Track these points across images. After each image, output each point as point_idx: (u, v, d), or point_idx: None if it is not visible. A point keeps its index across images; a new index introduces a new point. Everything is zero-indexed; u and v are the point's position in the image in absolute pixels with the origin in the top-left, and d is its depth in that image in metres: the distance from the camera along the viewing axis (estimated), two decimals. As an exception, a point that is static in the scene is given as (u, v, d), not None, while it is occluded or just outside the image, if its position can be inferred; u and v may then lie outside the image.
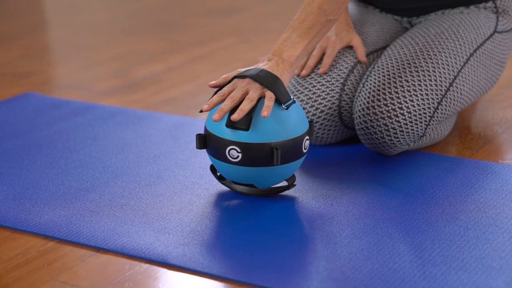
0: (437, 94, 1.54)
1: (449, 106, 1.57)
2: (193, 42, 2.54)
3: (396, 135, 1.52)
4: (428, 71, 1.55)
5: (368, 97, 1.54)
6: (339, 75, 1.61)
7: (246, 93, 1.32)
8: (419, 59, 1.56)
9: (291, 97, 1.35)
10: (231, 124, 1.32)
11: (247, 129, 1.31)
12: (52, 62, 2.38)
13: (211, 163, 1.48)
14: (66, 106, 1.94)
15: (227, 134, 1.33)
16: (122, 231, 1.32)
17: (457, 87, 1.57)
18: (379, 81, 1.54)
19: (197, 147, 1.36)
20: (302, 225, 1.32)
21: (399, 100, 1.52)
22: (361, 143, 1.66)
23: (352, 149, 1.64)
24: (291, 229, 1.31)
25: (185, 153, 1.64)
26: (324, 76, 1.61)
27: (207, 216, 1.36)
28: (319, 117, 1.60)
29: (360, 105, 1.55)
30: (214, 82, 1.37)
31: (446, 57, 1.57)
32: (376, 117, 1.52)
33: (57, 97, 2.04)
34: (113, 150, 1.66)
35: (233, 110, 1.33)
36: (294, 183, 1.43)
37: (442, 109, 1.55)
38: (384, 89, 1.53)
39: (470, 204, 1.38)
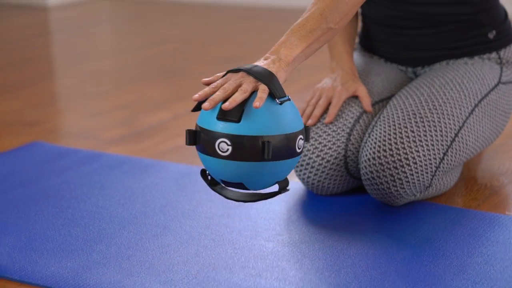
0: (442, 145, 1.55)
1: (455, 157, 1.57)
2: (199, 90, 2.56)
3: (402, 186, 1.52)
4: (434, 121, 1.55)
5: (374, 147, 1.54)
6: (345, 124, 1.62)
7: (239, 86, 1.28)
8: (424, 109, 1.57)
9: (287, 95, 1.31)
10: (222, 117, 1.27)
11: (238, 121, 1.26)
12: (59, 111, 2.39)
13: (204, 170, 1.40)
14: (74, 155, 1.95)
15: (218, 126, 1.28)
16: (128, 283, 1.31)
17: (462, 138, 1.58)
18: (384, 131, 1.55)
19: (186, 143, 1.31)
20: (309, 278, 1.32)
21: (404, 151, 1.52)
22: (367, 193, 1.66)
23: (358, 199, 1.64)
24: (298, 281, 1.30)
25: (192, 203, 1.64)
26: (330, 126, 1.62)
27: (213, 268, 1.36)
28: (325, 166, 1.60)
29: (366, 155, 1.55)
30: (207, 79, 1.32)
31: (451, 107, 1.58)
32: (382, 168, 1.52)
33: (64, 145, 2.05)
34: (120, 200, 1.67)
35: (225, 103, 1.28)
36: (288, 188, 1.37)
37: (448, 160, 1.56)
38: (389, 139, 1.54)
39: (477, 257, 1.38)
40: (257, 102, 1.23)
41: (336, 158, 1.60)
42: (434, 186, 1.57)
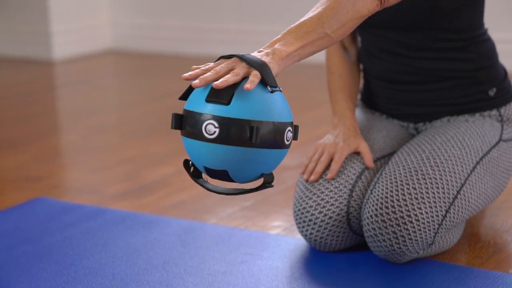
0: (445, 202, 1.55)
1: (457, 214, 1.58)
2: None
3: (405, 243, 1.52)
4: (435, 179, 1.56)
5: (376, 204, 1.55)
6: (347, 181, 1.63)
7: (231, 69, 1.25)
8: (426, 166, 1.58)
9: (278, 87, 1.28)
10: (211, 99, 1.23)
11: (227, 104, 1.22)
12: (63, 166, 2.41)
13: (188, 160, 1.34)
14: (77, 211, 1.95)
15: (206, 108, 1.23)
16: None
17: (464, 195, 1.58)
18: (387, 188, 1.56)
19: (172, 127, 1.27)
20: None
21: (407, 208, 1.53)
22: (370, 249, 1.66)
23: (361, 255, 1.64)
24: None
25: (194, 260, 1.64)
26: (332, 182, 1.63)
27: (216, 327, 1.35)
28: (327, 223, 1.61)
29: (369, 212, 1.56)
30: (187, 74, 1.26)
31: (453, 165, 1.59)
32: (384, 225, 1.53)
33: (68, 201, 2.06)
34: (123, 257, 1.67)
35: (216, 91, 1.24)
36: (272, 183, 1.32)
37: (450, 217, 1.56)
38: (392, 196, 1.54)
39: (480, 315, 1.37)
40: (248, 85, 1.20)
41: (338, 214, 1.61)
42: (437, 243, 1.57)
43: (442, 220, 1.55)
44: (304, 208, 1.63)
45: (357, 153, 1.68)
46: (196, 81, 1.22)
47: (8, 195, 2.13)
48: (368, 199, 1.59)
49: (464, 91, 1.69)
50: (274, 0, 4.06)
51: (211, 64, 1.27)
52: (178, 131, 2.75)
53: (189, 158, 1.32)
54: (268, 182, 1.28)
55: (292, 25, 1.32)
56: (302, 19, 1.33)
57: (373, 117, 1.79)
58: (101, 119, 2.97)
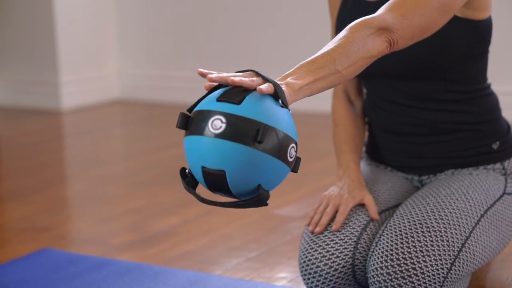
0: (449, 255, 1.55)
1: (463, 267, 1.58)
2: (209, 194, 2.57)
3: (410, 296, 1.52)
4: (440, 231, 1.57)
5: (382, 257, 1.55)
6: (352, 233, 1.64)
7: (247, 83, 1.25)
8: (430, 219, 1.58)
9: (289, 109, 1.26)
10: (222, 98, 1.22)
11: (238, 103, 1.21)
12: (70, 216, 2.42)
13: (184, 168, 1.30)
14: (83, 262, 1.96)
15: (216, 106, 1.21)
16: None
17: (469, 248, 1.59)
18: (391, 241, 1.56)
19: (177, 125, 1.24)
20: None
21: (412, 261, 1.53)
22: (376, 302, 1.65)
23: (367, 308, 1.64)
24: None
25: (200, 312, 1.64)
26: (338, 234, 1.63)
27: None
28: (332, 275, 1.61)
29: (374, 264, 1.56)
30: (204, 70, 1.27)
31: (457, 217, 1.60)
32: (390, 277, 1.53)
33: (74, 251, 2.06)
34: (128, 309, 1.67)
35: (231, 91, 1.23)
36: (267, 202, 1.25)
37: (455, 270, 1.56)
38: (397, 249, 1.55)
39: None
40: (263, 87, 1.20)
41: (343, 266, 1.61)
42: (442, 296, 1.56)
43: (447, 273, 1.55)
44: (309, 260, 1.63)
45: (362, 205, 1.69)
46: (214, 74, 1.23)
47: (15, 246, 2.14)
48: (373, 251, 1.59)
49: (468, 144, 1.70)
50: (281, 49, 4.10)
51: (226, 74, 1.26)
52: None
53: (187, 167, 1.29)
54: (263, 197, 1.23)
55: (304, 61, 1.33)
56: (314, 56, 1.34)
57: (378, 170, 1.80)
58: (108, 169, 2.99)
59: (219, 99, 1.22)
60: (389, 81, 1.71)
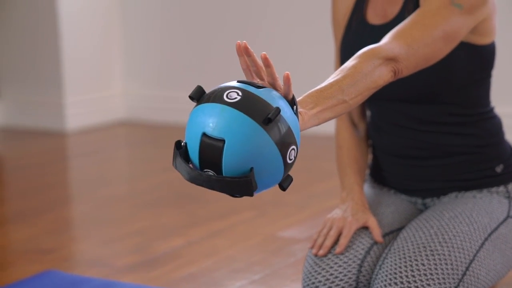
0: (453, 278, 1.55)
1: (466, 291, 1.57)
2: (213, 216, 2.58)
3: (414, 320, 1.51)
4: (444, 254, 1.56)
5: (385, 280, 1.55)
6: (355, 256, 1.63)
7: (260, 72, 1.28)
8: (434, 242, 1.58)
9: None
10: (243, 81, 1.24)
11: (258, 87, 1.22)
12: (74, 238, 2.42)
13: (180, 141, 1.26)
14: (87, 284, 1.95)
15: (235, 84, 1.23)
16: None
17: (473, 272, 1.58)
18: (395, 264, 1.56)
19: (190, 95, 1.23)
20: None
21: (416, 284, 1.53)
22: (380, 325, 1.65)
23: (371, 332, 1.63)
24: None
25: (203, 335, 1.64)
26: (341, 257, 1.63)
27: None
28: (337, 298, 1.60)
29: (378, 287, 1.56)
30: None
31: (461, 241, 1.59)
32: (393, 301, 1.52)
33: (78, 273, 2.06)
34: (131, 332, 1.66)
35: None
36: (253, 192, 1.21)
37: (459, 294, 1.56)
38: (401, 272, 1.54)
39: None
40: (286, 72, 1.23)
41: (347, 290, 1.61)
42: (446, 320, 1.56)
43: (451, 297, 1.54)
44: (313, 283, 1.63)
45: (365, 228, 1.68)
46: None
47: (18, 267, 2.14)
48: (377, 274, 1.59)
49: (471, 167, 1.70)
50: (282, 67, 4.11)
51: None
52: (189, 202, 2.76)
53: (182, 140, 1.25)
54: (251, 181, 1.18)
55: (312, 90, 1.34)
56: (322, 85, 1.36)
57: (382, 192, 1.80)
58: (112, 190, 2.99)
59: (240, 81, 1.23)
60: (392, 104, 1.71)
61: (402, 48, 1.43)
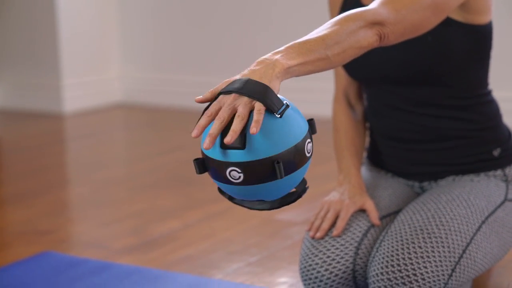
0: (450, 261, 1.55)
1: (463, 273, 1.58)
2: (210, 199, 2.58)
3: (410, 302, 1.52)
4: (441, 237, 1.57)
5: (382, 263, 1.55)
6: (353, 238, 1.64)
7: (234, 110, 1.22)
8: (431, 225, 1.58)
9: (284, 102, 1.24)
10: (225, 145, 1.22)
11: (243, 148, 1.21)
12: (72, 219, 2.42)
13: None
14: (84, 265, 1.96)
15: (224, 156, 1.22)
16: None
17: (470, 254, 1.59)
18: (392, 247, 1.56)
19: (197, 172, 1.26)
20: None
21: (412, 267, 1.53)
22: (376, 307, 1.65)
23: (367, 314, 1.64)
24: None
25: (200, 317, 1.64)
26: (338, 240, 1.64)
27: None
28: (333, 280, 1.61)
29: (375, 270, 1.56)
30: (201, 97, 1.26)
31: (458, 224, 1.60)
32: (390, 283, 1.53)
33: (75, 255, 2.06)
34: (129, 313, 1.67)
35: (225, 130, 1.22)
36: (306, 187, 1.30)
37: (456, 276, 1.56)
38: (398, 254, 1.55)
39: None
40: (253, 128, 1.17)
41: (344, 272, 1.61)
42: (442, 302, 1.56)
43: (448, 279, 1.55)
44: (310, 265, 1.63)
45: (362, 211, 1.69)
46: (206, 141, 1.20)
47: (16, 249, 2.14)
48: (374, 257, 1.59)
49: (468, 151, 1.70)
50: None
51: (212, 107, 1.23)
52: (186, 185, 2.76)
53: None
54: (302, 191, 1.28)
55: (295, 41, 1.31)
56: (305, 38, 1.32)
57: (379, 176, 1.80)
58: (110, 172, 2.99)
59: (223, 147, 1.22)
60: (389, 86, 1.71)
61: (390, 12, 1.42)
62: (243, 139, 1.21)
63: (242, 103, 1.21)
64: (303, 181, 1.29)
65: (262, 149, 1.21)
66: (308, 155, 1.25)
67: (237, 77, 1.25)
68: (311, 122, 1.28)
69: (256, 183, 1.22)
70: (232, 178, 1.22)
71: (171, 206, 2.51)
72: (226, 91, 1.23)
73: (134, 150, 3.43)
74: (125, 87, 4.56)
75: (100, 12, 4.43)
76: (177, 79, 4.41)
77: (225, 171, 1.22)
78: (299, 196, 1.28)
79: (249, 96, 1.21)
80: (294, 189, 1.30)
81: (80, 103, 4.32)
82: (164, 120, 4.05)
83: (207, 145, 1.20)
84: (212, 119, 1.22)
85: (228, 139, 1.18)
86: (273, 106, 1.21)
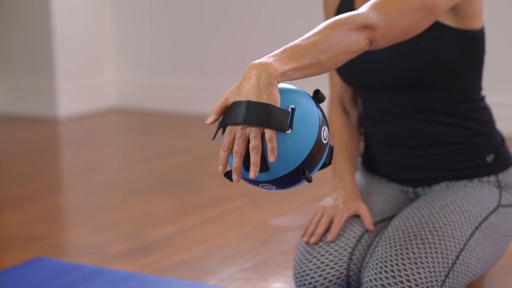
0: (444, 267, 1.56)
1: (457, 279, 1.58)
2: (205, 204, 2.58)
3: (404, 308, 1.52)
4: (434, 243, 1.57)
5: (376, 269, 1.55)
6: (347, 244, 1.64)
7: (246, 139, 1.26)
8: (425, 231, 1.59)
9: (289, 109, 1.28)
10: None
11: (267, 170, 1.27)
12: (66, 225, 2.42)
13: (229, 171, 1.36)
14: (77, 271, 1.96)
15: (255, 178, 1.28)
16: None
17: (463, 260, 1.59)
18: (386, 252, 1.57)
19: (224, 175, 1.33)
20: None
21: (406, 272, 1.53)
22: (370, 313, 1.66)
23: (361, 319, 1.64)
24: None
25: (194, 322, 1.64)
26: (332, 245, 1.64)
27: None
28: (327, 286, 1.61)
29: (368, 275, 1.56)
30: (209, 119, 1.30)
31: (452, 230, 1.60)
32: (384, 289, 1.53)
33: (69, 260, 2.06)
34: (122, 319, 1.67)
35: (246, 158, 1.28)
36: (331, 148, 1.35)
37: (449, 282, 1.56)
38: (391, 260, 1.55)
39: None
40: (271, 157, 1.24)
41: (338, 278, 1.61)
42: (436, 308, 1.56)
43: (441, 285, 1.55)
44: (304, 271, 1.63)
45: (356, 216, 1.69)
46: (234, 176, 1.27)
47: (9, 254, 2.14)
48: (367, 262, 1.59)
49: (462, 157, 1.71)
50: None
51: (226, 141, 1.27)
52: (181, 190, 2.76)
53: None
54: (329, 162, 1.34)
55: (288, 45, 1.32)
56: (297, 41, 1.33)
57: (373, 181, 1.80)
58: (104, 177, 2.99)
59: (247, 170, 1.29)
60: (383, 92, 1.71)
61: (380, 16, 1.42)
62: (264, 163, 1.27)
63: (252, 135, 1.26)
64: (330, 151, 1.34)
65: (285, 165, 1.27)
66: (325, 142, 1.31)
67: (235, 96, 1.28)
68: (317, 96, 1.33)
69: (287, 187, 1.31)
70: (266, 189, 1.32)
71: (166, 211, 2.51)
72: (232, 123, 1.27)
73: (129, 154, 3.43)
74: (120, 91, 4.56)
75: (95, 17, 4.43)
76: (172, 84, 4.41)
77: (259, 185, 1.31)
78: (329, 163, 1.33)
79: (256, 125, 1.25)
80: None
81: (75, 108, 4.32)
82: (159, 125, 4.05)
83: (237, 179, 1.28)
84: (229, 151, 1.27)
85: (252, 175, 1.25)
86: (281, 126, 1.25)
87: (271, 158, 1.23)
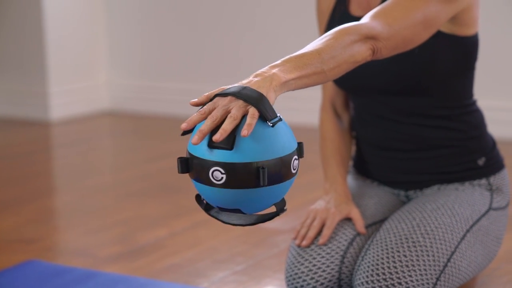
0: (435, 270, 1.56)
1: (448, 282, 1.58)
2: (196, 207, 2.58)
3: (395, 310, 1.53)
4: (426, 246, 1.57)
5: (368, 271, 1.56)
6: (338, 247, 1.64)
7: (227, 112, 1.22)
8: (416, 234, 1.59)
9: (278, 115, 1.25)
10: (213, 145, 1.21)
11: (230, 149, 1.20)
12: (58, 228, 2.41)
13: (199, 195, 1.32)
14: (69, 274, 1.95)
15: (210, 155, 1.22)
16: None
17: (455, 263, 1.59)
18: (377, 255, 1.57)
19: (179, 171, 1.25)
20: None
21: (397, 275, 1.54)
22: (361, 316, 1.66)
23: (353, 322, 1.64)
24: None
25: (186, 325, 1.64)
26: (324, 248, 1.64)
27: None
28: (319, 289, 1.61)
29: (360, 278, 1.57)
30: (195, 100, 1.26)
31: (443, 232, 1.60)
32: (375, 292, 1.54)
33: (61, 263, 2.06)
34: (114, 321, 1.67)
35: (214, 131, 1.22)
36: (285, 208, 1.29)
37: (441, 285, 1.57)
38: (383, 263, 1.55)
39: None
40: (245, 130, 1.18)
41: (330, 281, 1.62)
42: (427, 311, 1.57)
43: (432, 288, 1.55)
44: (296, 273, 1.64)
45: (348, 219, 1.69)
46: (195, 137, 1.20)
47: (1, 257, 2.14)
48: (359, 265, 1.60)
49: (454, 160, 1.71)
50: (272, 60, 4.11)
51: (207, 107, 1.23)
52: (173, 193, 2.76)
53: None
54: (281, 209, 1.27)
55: (291, 54, 1.32)
56: (302, 51, 1.33)
57: (365, 184, 1.81)
58: (96, 180, 2.99)
59: (211, 146, 1.21)
60: (376, 96, 1.72)
61: (383, 27, 1.43)
62: (231, 140, 1.20)
63: (236, 106, 1.21)
64: (283, 200, 1.28)
65: (249, 153, 1.20)
66: (293, 171, 1.25)
67: (235, 85, 1.25)
68: (300, 144, 1.28)
69: (237, 187, 1.21)
70: (214, 179, 1.21)
71: (158, 214, 2.51)
72: (222, 94, 1.24)
73: (121, 157, 3.43)
74: (112, 94, 4.55)
75: (87, 20, 4.43)
76: (164, 87, 4.41)
77: (208, 171, 1.21)
78: (276, 215, 1.26)
79: (244, 100, 1.21)
80: (273, 206, 1.28)
81: (67, 111, 4.32)
82: (151, 128, 4.05)
83: (196, 140, 1.19)
84: (205, 118, 1.22)
85: (217, 137, 1.18)
86: (267, 114, 1.22)
87: (244, 132, 1.18)
